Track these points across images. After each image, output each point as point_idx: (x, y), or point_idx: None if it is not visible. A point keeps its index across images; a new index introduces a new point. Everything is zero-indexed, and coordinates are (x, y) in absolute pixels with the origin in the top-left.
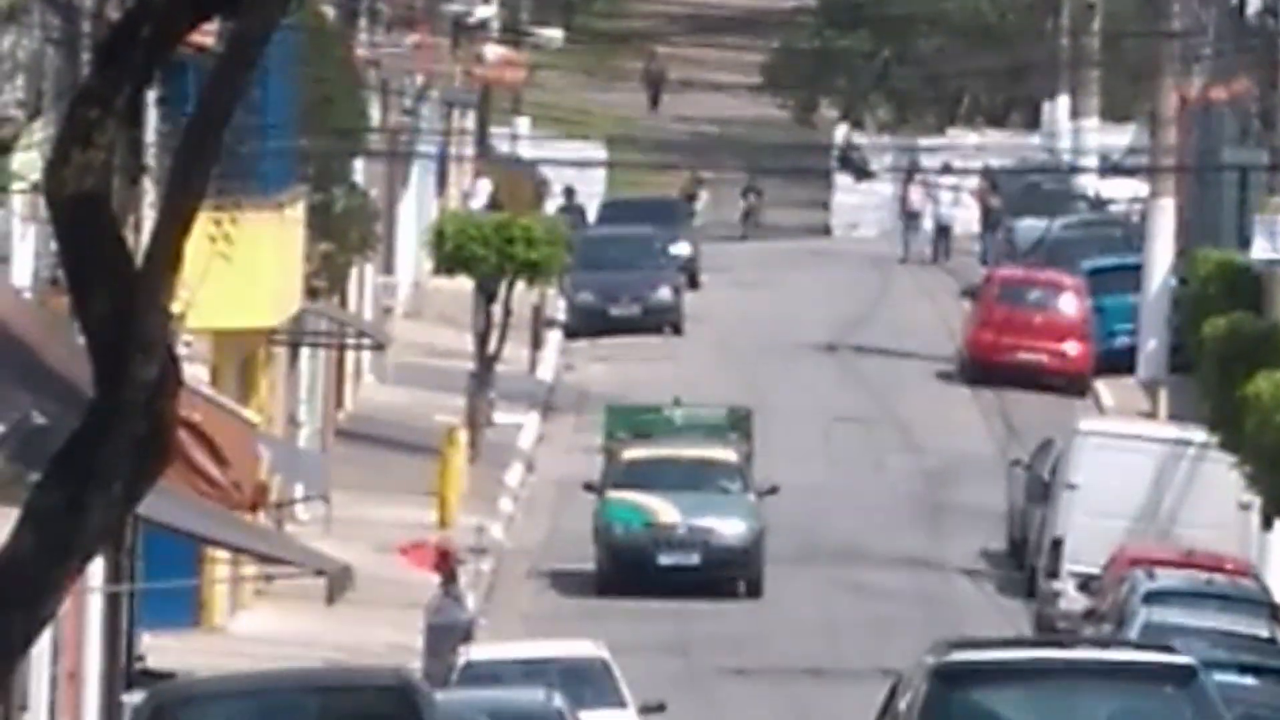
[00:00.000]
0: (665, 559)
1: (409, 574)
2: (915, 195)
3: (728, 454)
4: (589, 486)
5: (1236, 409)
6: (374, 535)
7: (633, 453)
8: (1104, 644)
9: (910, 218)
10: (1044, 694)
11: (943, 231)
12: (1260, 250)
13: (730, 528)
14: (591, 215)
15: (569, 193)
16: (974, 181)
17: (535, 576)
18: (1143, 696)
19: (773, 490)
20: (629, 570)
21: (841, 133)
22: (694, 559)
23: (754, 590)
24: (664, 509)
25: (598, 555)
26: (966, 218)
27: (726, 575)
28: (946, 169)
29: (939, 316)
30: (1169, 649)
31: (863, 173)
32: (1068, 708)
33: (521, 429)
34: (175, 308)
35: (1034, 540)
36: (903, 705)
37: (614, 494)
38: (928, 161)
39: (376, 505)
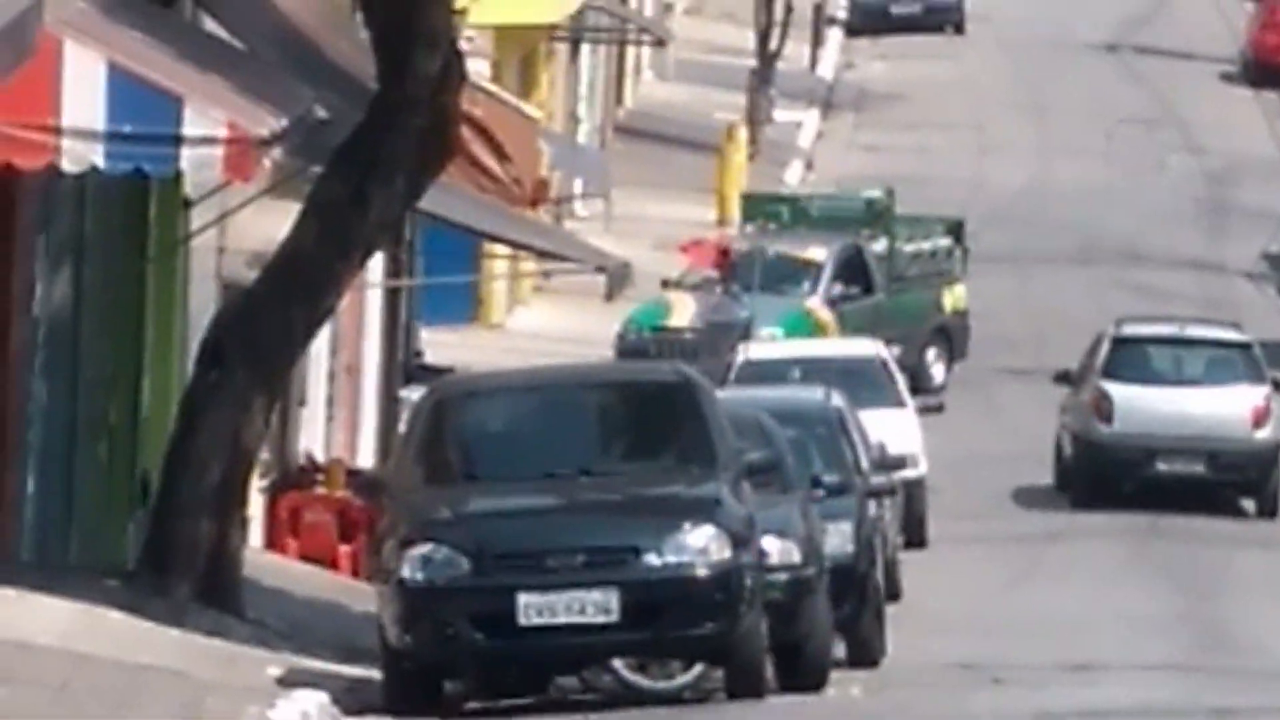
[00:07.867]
0: None
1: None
2: None
3: (815, 253)
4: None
5: None
6: (653, 232)
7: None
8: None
9: None
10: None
11: None
12: None
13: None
14: None
15: None
16: None
17: None
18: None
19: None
20: None
21: None
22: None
23: None
24: (680, 309)
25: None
26: None
27: None
28: None
29: (1221, 17)
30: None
31: None
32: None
33: (801, 126)
34: (459, 2)
35: None
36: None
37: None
38: None
39: (656, 202)
